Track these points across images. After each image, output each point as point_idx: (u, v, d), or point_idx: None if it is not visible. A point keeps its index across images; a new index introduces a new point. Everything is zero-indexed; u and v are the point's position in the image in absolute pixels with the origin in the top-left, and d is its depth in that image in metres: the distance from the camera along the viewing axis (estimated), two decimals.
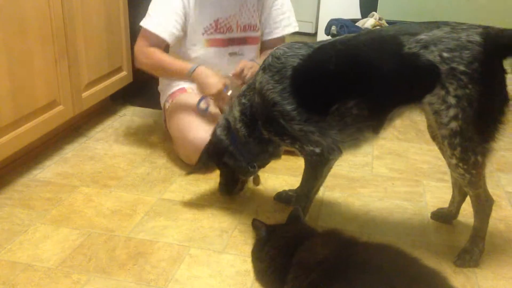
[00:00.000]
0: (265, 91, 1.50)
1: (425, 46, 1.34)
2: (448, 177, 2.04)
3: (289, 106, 1.47)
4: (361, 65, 1.41)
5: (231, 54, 2.10)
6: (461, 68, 1.32)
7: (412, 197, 1.87)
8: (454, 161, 1.40)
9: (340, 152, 1.53)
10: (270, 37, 2.20)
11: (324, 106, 1.46)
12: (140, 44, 2.02)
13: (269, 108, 1.50)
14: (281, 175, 1.98)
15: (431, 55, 1.33)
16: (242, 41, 2.12)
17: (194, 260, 1.47)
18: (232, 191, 1.78)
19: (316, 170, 1.56)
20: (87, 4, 2.10)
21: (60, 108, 2.01)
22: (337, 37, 1.51)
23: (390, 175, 2.03)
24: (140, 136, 2.29)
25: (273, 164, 2.05)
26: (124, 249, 1.51)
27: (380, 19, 3.24)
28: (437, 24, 1.38)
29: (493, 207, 1.81)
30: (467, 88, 1.32)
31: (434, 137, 1.58)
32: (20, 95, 1.77)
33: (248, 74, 1.92)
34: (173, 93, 2.12)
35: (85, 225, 1.62)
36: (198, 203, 1.77)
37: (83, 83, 2.14)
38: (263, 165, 1.74)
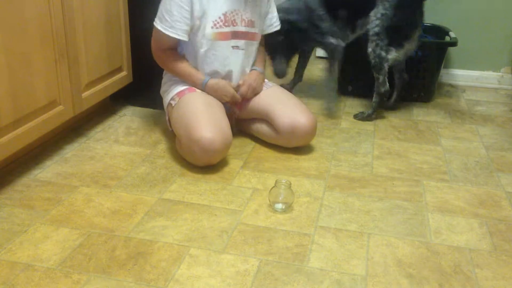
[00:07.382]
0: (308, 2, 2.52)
1: None
2: (448, 177, 2.04)
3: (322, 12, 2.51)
4: None
5: (233, 47, 2.14)
6: None
7: (412, 197, 1.87)
8: (369, 49, 2.47)
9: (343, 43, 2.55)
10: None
11: (334, 13, 2.52)
12: (154, 47, 2.14)
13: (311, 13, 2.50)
14: (281, 175, 1.98)
15: None
16: (244, 35, 2.16)
17: (194, 260, 1.47)
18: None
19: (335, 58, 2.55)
20: (87, 4, 2.10)
21: (60, 108, 2.01)
22: None
23: (390, 175, 2.03)
24: (140, 136, 2.29)
25: (273, 164, 2.07)
26: (124, 249, 1.51)
27: None
28: None
29: (493, 207, 1.82)
30: (387, 10, 2.45)
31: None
32: (20, 95, 1.77)
33: (249, 93, 2.19)
34: (181, 91, 2.12)
35: (85, 225, 1.62)
36: (198, 203, 1.77)
37: (83, 83, 2.14)
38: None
